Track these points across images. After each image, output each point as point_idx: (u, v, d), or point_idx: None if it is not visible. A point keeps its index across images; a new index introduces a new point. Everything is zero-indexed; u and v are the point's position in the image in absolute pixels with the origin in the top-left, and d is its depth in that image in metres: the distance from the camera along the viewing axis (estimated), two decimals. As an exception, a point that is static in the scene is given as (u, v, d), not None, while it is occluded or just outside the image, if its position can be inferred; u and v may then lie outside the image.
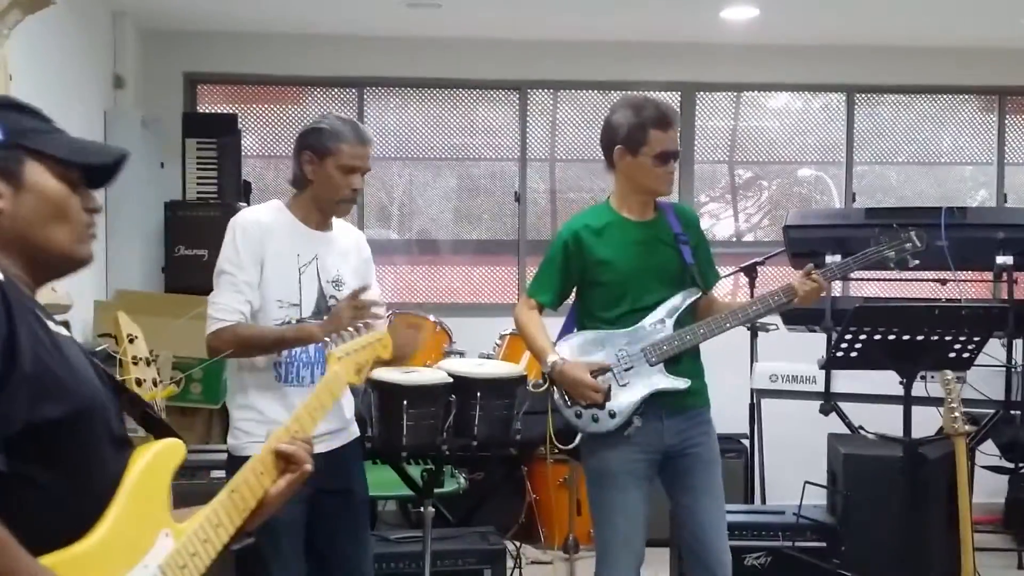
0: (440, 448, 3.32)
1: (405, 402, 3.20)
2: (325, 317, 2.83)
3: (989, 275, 4.40)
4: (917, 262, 3.09)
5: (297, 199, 2.92)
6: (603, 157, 3.13)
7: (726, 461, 5.28)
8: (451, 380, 3.33)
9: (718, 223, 6.80)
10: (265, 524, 2.70)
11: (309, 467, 1.73)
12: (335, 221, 2.98)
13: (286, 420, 1.83)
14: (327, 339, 2.00)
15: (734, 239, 6.67)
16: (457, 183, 6.50)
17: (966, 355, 3.59)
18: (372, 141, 2.93)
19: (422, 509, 3.43)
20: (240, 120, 5.76)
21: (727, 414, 4.88)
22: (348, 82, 6.13)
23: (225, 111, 6.01)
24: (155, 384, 2.70)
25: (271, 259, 2.80)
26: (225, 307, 2.75)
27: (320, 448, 2.82)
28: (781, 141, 6.56)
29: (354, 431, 3.01)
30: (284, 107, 6.37)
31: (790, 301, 3.05)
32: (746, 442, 5.19)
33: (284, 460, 1.71)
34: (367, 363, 2.03)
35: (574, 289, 3.20)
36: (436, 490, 3.54)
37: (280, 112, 6.30)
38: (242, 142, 5.70)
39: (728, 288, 5.88)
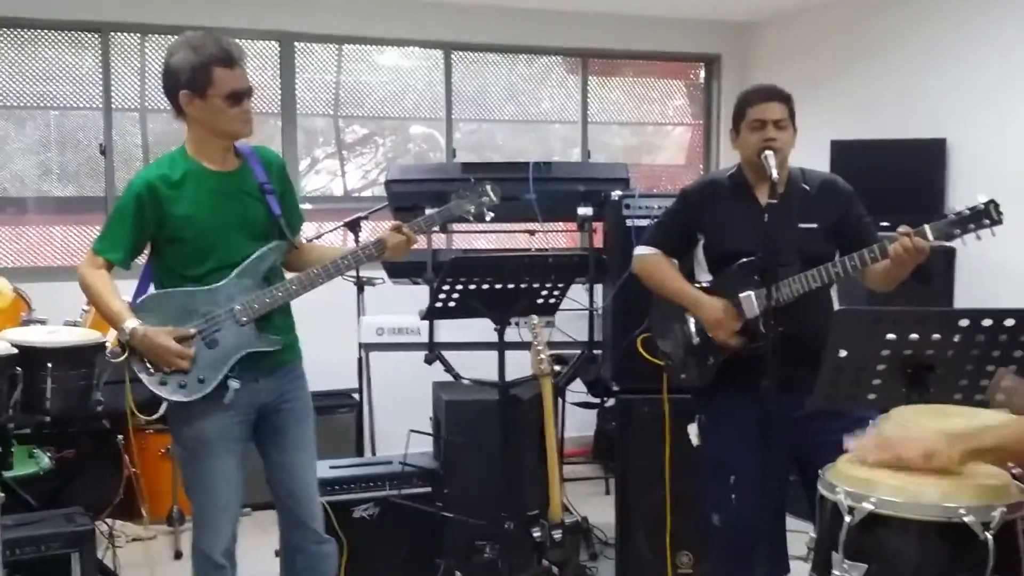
0: (5, 426, 2.98)
1: (-43, 379, 2.85)
2: None
3: (574, 225, 4.70)
4: (492, 215, 3.21)
5: None
6: (170, 106, 2.91)
7: (338, 416, 5.37)
8: (15, 351, 3.00)
9: (335, 180, 6.73)
10: None
11: None
12: None
13: None
14: None
15: (349, 195, 6.63)
16: (39, 135, 5.88)
17: (552, 300, 3.79)
18: None
19: (-12, 496, 3.06)
20: None
21: (336, 369, 4.89)
22: None
23: None
24: None
25: None
26: None
27: None
28: (391, 98, 6.58)
29: None
30: None
31: (381, 254, 3.04)
32: (357, 396, 5.21)
33: None
34: None
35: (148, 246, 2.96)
36: (8, 473, 3.19)
37: None
38: None
39: (338, 244, 5.84)
